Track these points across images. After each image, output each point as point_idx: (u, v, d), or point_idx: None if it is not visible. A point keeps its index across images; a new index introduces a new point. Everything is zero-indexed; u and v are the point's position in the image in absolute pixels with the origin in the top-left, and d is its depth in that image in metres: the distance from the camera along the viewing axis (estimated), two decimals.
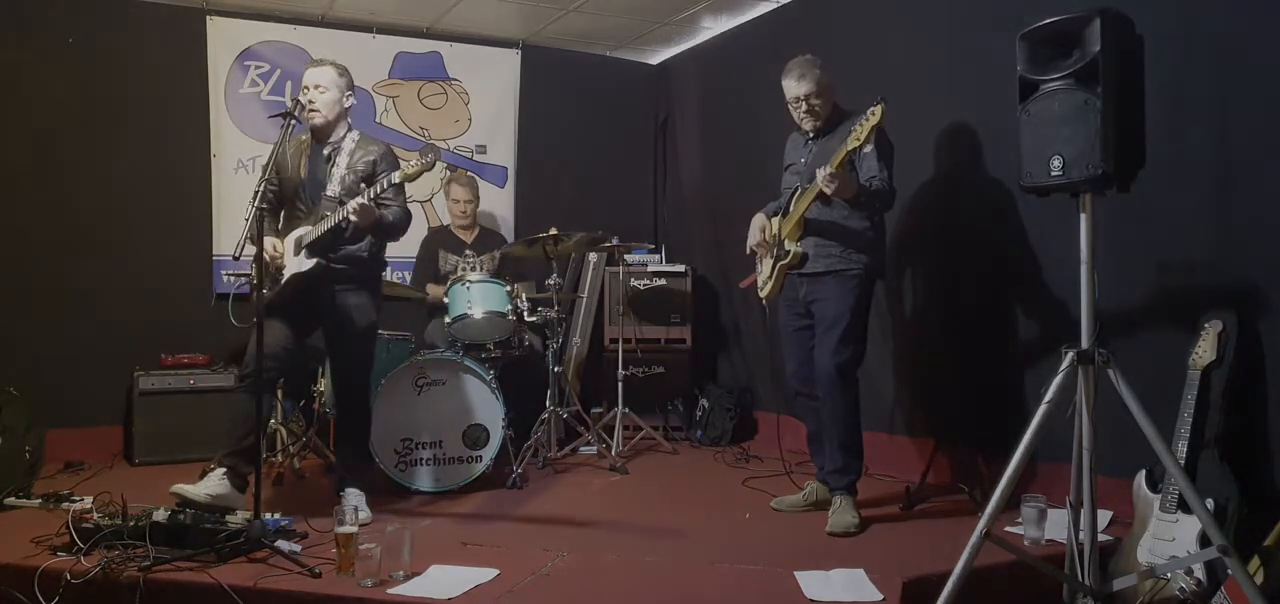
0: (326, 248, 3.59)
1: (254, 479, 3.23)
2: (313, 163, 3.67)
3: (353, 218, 3.45)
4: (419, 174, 3.49)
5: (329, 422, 4.49)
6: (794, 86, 3.67)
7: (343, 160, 3.66)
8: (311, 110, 3.61)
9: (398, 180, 3.48)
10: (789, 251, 3.64)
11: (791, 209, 3.66)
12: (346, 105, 3.72)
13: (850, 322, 3.56)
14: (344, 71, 3.71)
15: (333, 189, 3.62)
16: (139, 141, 5.11)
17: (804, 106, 3.66)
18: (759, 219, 3.84)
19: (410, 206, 3.82)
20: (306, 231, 3.58)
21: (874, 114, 3.28)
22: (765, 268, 3.81)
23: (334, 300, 3.66)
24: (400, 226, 3.74)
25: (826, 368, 3.59)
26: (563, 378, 4.95)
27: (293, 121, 3.41)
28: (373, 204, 3.48)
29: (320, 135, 3.69)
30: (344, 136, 3.70)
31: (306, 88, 3.63)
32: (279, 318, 3.59)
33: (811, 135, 3.71)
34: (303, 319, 3.67)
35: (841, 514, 3.51)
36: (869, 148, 3.48)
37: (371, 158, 3.67)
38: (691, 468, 4.79)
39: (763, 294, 3.82)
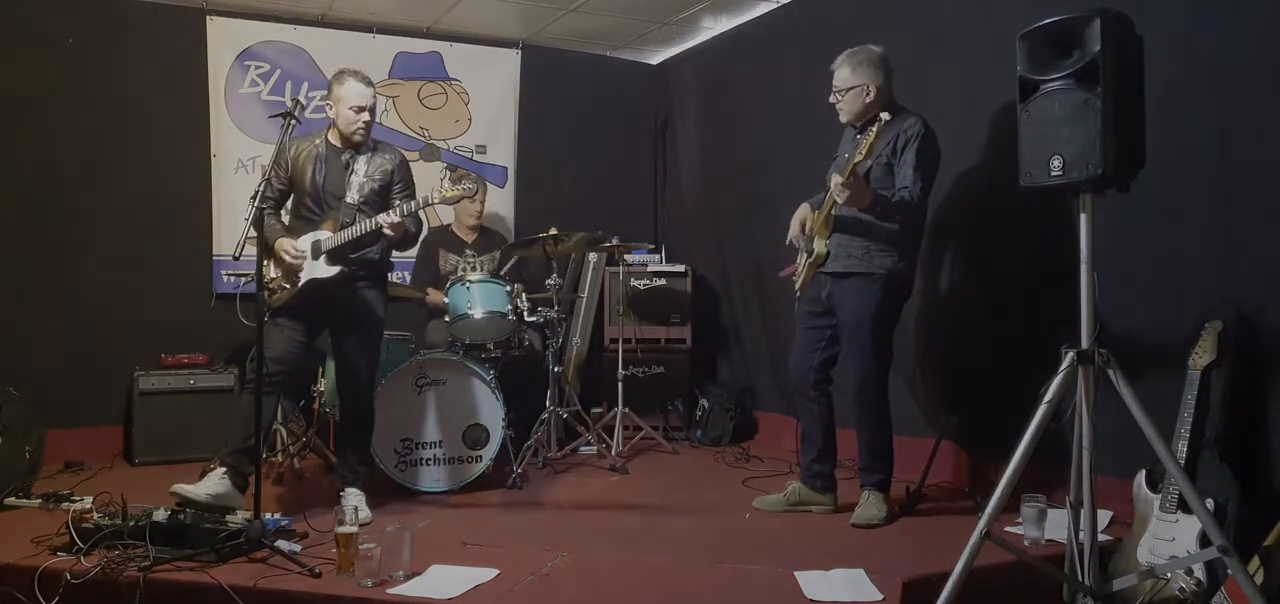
0: (347, 255, 3.64)
1: (254, 479, 3.23)
2: (329, 168, 3.71)
3: (389, 233, 3.55)
4: (457, 201, 3.66)
5: (329, 421, 4.50)
6: (834, 77, 3.65)
7: (361, 167, 3.73)
8: (362, 132, 3.71)
9: (435, 202, 3.61)
10: (813, 250, 3.64)
11: (823, 205, 3.64)
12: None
13: (872, 331, 3.54)
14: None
15: (352, 197, 3.68)
16: (139, 141, 5.11)
17: (832, 97, 3.66)
18: (802, 210, 3.81)
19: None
20: (326, 237, 3.61)
21: (869, 133, 3.30)
22: (801, 259, 3.80)
23: (349, 297, 3.71)
24: (418, 237, 3.92)
25: (853, 380, 3.61)
26: (563, 378, 4.95)
27: (293, 122, 3.42)
28: (403, 220, 3.58)
29: (353, 147, 3.75)
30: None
31: (362, 109, 3.69)
32: (290, 320, 3.63)
33: (858, 130, 3.64)
34: (313, 322, 3.71)
35: (867, 507, 3.58)
36: (909, 156, 3.47)
37: (389, 168, 3.77)
38: (691, 468, 4.79)
39: (796, 285, 3.80)
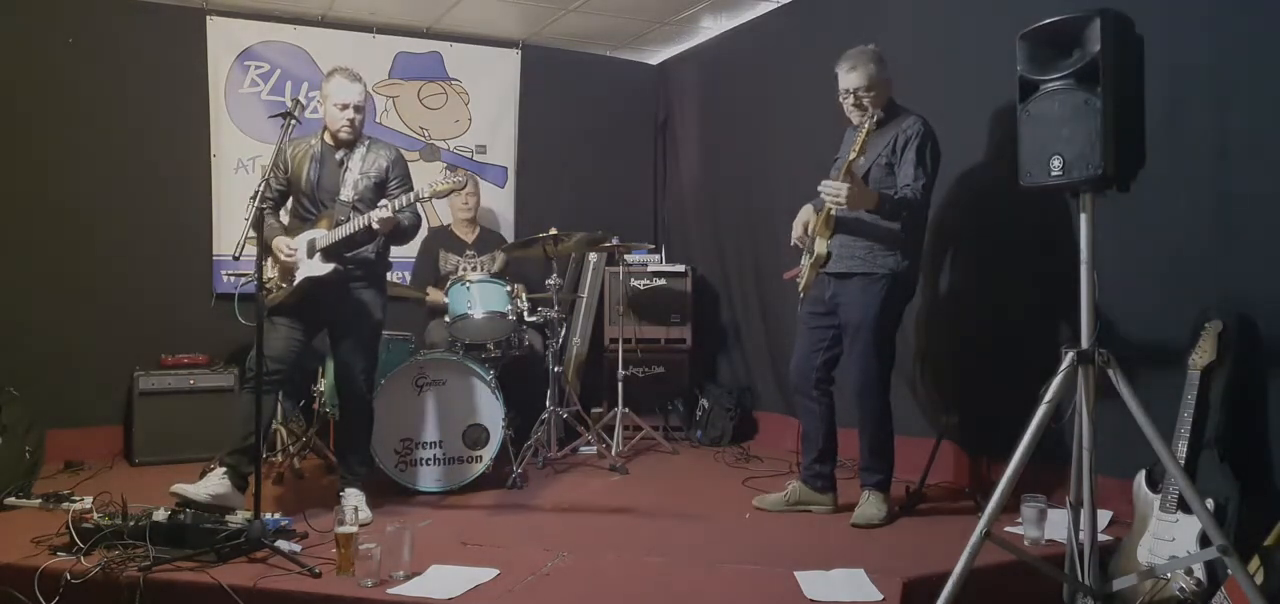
0: (341, 252, 3.63)
1: (254, 479, 3.23)
2: (323, 167, 3.72)
3: (376, 226, 3.52)
4: (448, 193, 3.63)
5: (329, 422, 4.50)
6: (844, 77, 3.59)
7: (355, 165, 3.72)
8: (348, 129, 3.69)
9: (427, 197, 3.57)
10: (815, 251, 3.64)
11: (824, 206, 3.62)
12: None
13: (874, 331, 3.54)
14: (365, 83, 3.78)
15: (346, 194, 3.68)
16: (139, 141, 5.11)
17: (851, 99, 3.59)
18: (805, 211, 3.80)
19: None
20: (320, 235, 3.61)
21: (862, 130, 3.29)
22: (804, 261, 3.79)
23: (345, 297, 3.70)
24: (413, 231, 3.85)
25: (855, 379, 3.61)
26: (563, 378, 4.95)
27: (293, 122, 3.42)
28: (395, 214, 3.55)
29: (345, 145, 3.73)
30: (356, 143, 3.77)
31: (346, 105, 3.67)
32: (289, 320, 3.63)
33: (856, 130, 3.60)
34: (311, 322, 3.71)
35: (866, 506, 3.58)
36: (910, 155, 3.47)
37: (383, 164, 3.76)
38: (691, 468, 4.79)
39: (799, 287, 3.79)
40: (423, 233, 5.37)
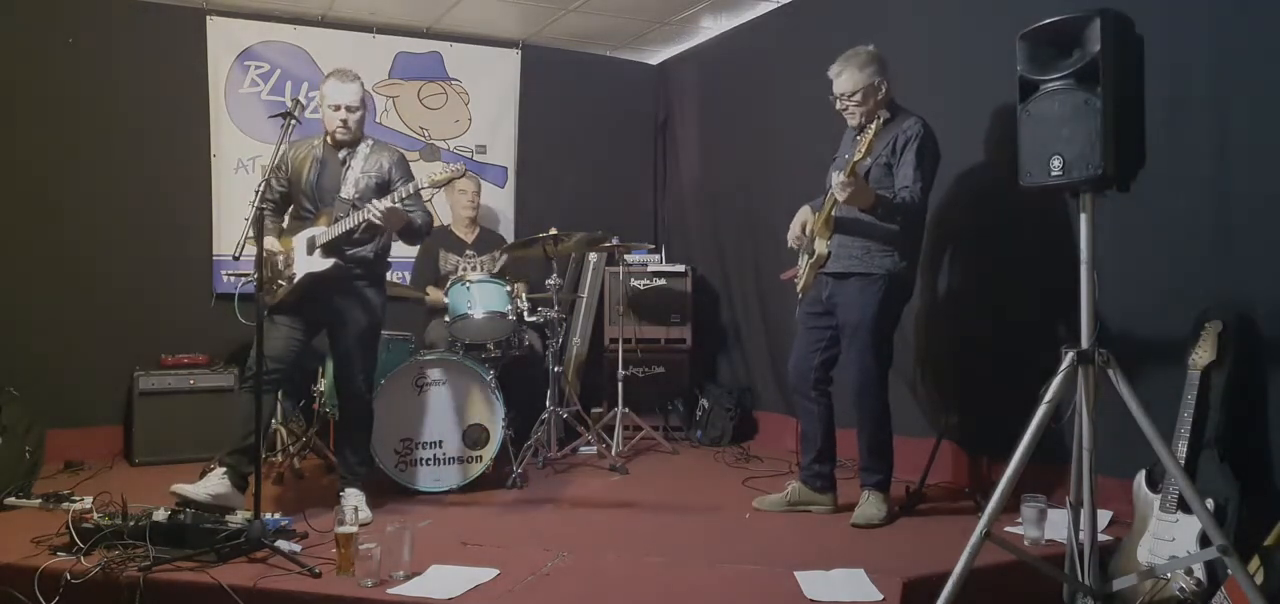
0: (340, 249, 3.64)
1: (254, 479, 3.23)
2: (325, 167, 3.72)
3: (377, 220, 3.52)
4: (448, 182, 3.62)
5: (329, 422, 4.50)
6: (833, 82, 3.61)
7: (357, 164, 3.73)
8: (343, 130, 3.69)
9: (426, 187, 3.58)
10: (814, 250, 3.64)
11: (823, 206, 3.63)
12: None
13: (872, 331, 3.54)
14: (362, 83, 3.78)
15: (347, 192, 3.68)
16: (139, 141, 5.11)
17: (838, 104, 3.62)
18: (803, 213, 3.81)
19: None
20: (320, 232, 3.61)
21: (868, 130, 3.30)
22: (802, 262, 3.79)
23: (345, 296, 3.71)
24: (426, 229, 3.86)
25: (853, 380, 3.61)
26: (563, 378, 4.95)
27: (293, 122, 3.43)
28: (400, 208, 3.55)
29: (344, 146, 3.74)
30: (358, 143, 3.76)
31: (339, 106, 3.68)
32: (288, 319, 3.63)
33: (858, 130, 3.60)
34: (310, 321, 3.71)
35: (866, 506, 3.58)
36: (909, 156, 3.47)
37: (386, 164, 3.76)
38: (691, 468, 4.79)
39: (798, 288, 3.79)
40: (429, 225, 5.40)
